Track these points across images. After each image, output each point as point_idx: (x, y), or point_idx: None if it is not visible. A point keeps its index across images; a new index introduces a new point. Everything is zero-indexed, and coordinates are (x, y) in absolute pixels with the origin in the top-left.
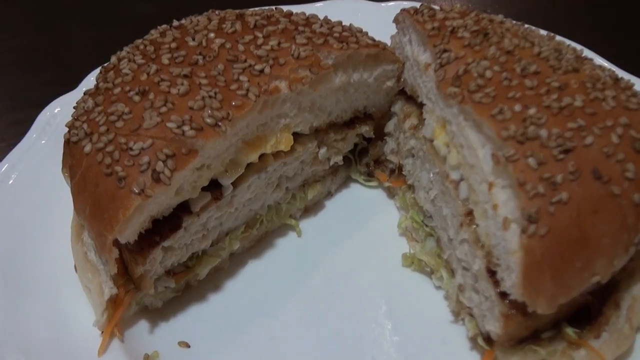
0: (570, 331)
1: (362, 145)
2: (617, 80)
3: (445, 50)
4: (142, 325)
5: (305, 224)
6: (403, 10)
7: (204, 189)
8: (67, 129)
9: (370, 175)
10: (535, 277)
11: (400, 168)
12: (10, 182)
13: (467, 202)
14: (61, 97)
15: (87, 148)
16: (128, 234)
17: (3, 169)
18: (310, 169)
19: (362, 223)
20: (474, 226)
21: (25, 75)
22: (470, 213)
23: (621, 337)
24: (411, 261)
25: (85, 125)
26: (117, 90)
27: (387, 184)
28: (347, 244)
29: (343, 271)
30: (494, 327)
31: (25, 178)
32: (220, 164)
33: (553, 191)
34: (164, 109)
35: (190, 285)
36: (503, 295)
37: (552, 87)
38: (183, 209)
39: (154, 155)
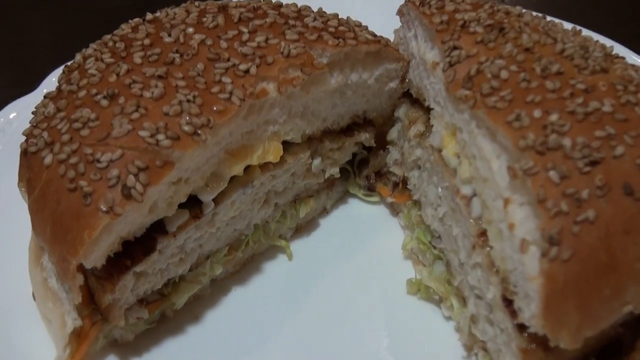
0: None
1: (361, 156)
2: None
3: (455, 48)
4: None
5: (297, 246)
6: (408, 0)
7: (181, 206)
8: (24, 138)
9: (370, 190)
10: (557, 306)
11: (404, 181)
12: None
13: (479, 220)
14: (17, 100)
15: (48, 159)
16: (94, 258)
17: None
18: (303, 183)
19: (361, 244)
20: (488, 249)
21: None
22: (483, 233)
23: None
24: (417, 288)
25: (45, 134)
26: (83, 93)
27: (390, 200)
28: (344, 269)
29: (340, 300)
30: None
31: None
32: (200, 177)
33: (578, 209)
34: (135, 115)
35: (166, 315)
36: (521, 327)
37: (577, 90)
38: (157, 229)
39: (125, 168)
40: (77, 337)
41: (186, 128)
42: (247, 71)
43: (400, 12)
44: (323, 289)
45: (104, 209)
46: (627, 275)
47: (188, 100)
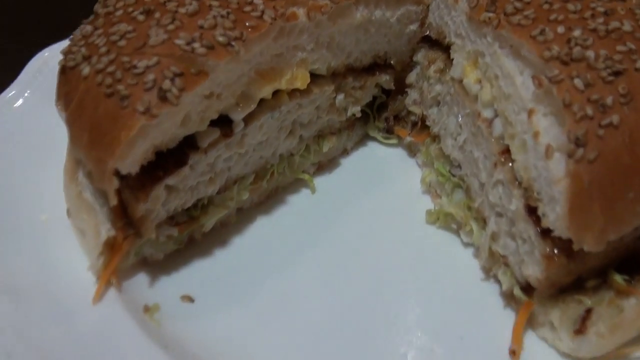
0: (619, 278)
1: (381, 100)
2: None
3: None
4: (141, 277)
5: (320, 182)
6: None
7: (212, 124)
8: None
9: (389, 132)
10: (582, 207)
11: (423, 120)
12: None
13: (501, 140)
14: (52, 46)
15: (86, 71)
16: (130, 162)
17: None
18: (326, 118)
19: (381, 181)
20: (510, 164)
21: None
22: (505, 151)
23: None
24: (437, 217)
25: (83, 49)
26: (119, 12)
27: (408, 139)
28: (364, 203)
29: (361, 230)
30: (533, 271)
31: (15, 121)
32: (232, 94)
33: (602, 114)
34: (171, 27)
35: (194, 239)
36: (544, 234)
37: (597, 12)
38: (189, 145)
39: (161, 73)
40: (110, 248)
41: (220, 39)
42: None
43: None
44: (344, 221)
45: (141, 109)
46: None
47: (222, 16)
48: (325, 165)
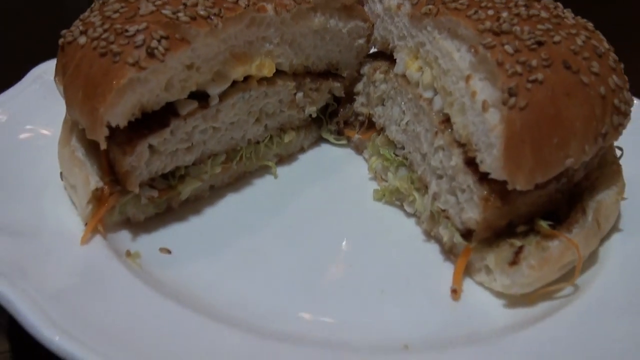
0: (544, 224)
1: (332, 107)
2: None
3: None
4: (124, 233)
5: (281, 171)
6: None
7: (192, 97)
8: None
9: (339, 134)
10: (515, 149)
11: (369, 120)
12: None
13: (440, 112)
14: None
15: (82, 40)
16: (119, 112)
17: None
18: (288, 112)
19: (334, 171)
20: (449, 130)
21: None
22: (444, 121)
23: (590, 234)
24: (382, 194)
25: (80, 26)
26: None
27: (356, 138)
28: (320, 186)
29: (315, 207)
30: (473, 213)
31: (18, 110)
32: (209, 70)
33: (529, 72)
34: (159, 2)
35: (172, 207)
36: (481, 180)
37: (519, 4)
38: (171, 112)
39: (149, 35)
40: (98, 201)
41: (202, 12)
42: None
43: None
44: (302, 199)
45: (131, 61)
46: (570, 130)
47: None
48: (285, 159)
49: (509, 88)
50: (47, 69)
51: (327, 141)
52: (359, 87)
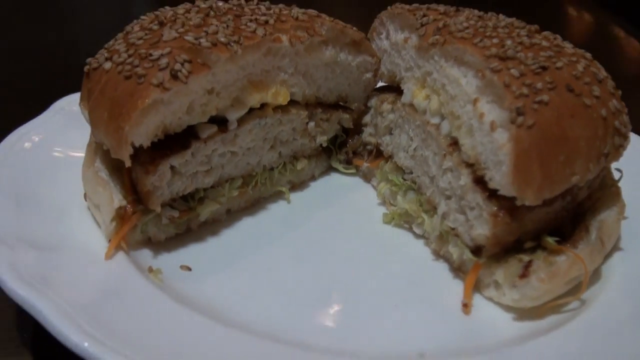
0: (550, 240)
1: (341, 139)
2: None
3: (424, 15)
4: (146, 251)
5: (294, 196)
6: (377, 18)
7: (212, 121)
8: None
9: (348, 163)
10: (524, 165)
11: (377, 148)
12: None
13: (448, 136)
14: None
15: (107, 65)
16: (143, 131)
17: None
18: (300, 141)
19: (344, 197)
20: (457, 152)
21: None
22: (452, 144)
23: (595, 251)
24: (392, 217)
25: (105, 53)
26: (137, 28)
27: (365, 166)
28: (330, 211)
29: (328, 228)
30: (482, 229)
31: (46, 136)
32: (228, 96)
33: (535, 94)
34: (181, 30)
35: (191, 228)
36: (490, 197)
37: (521, 34)
38: (192, 135)
39: (173, 59)
40: (121, 219)
41: (222, 39)
42: (266, 22)
43: (372, 30)
44: (314, 222)
45: (155, 82)
46: (575, 149)
47: (222, 27)
48: (297, 185)
49: (517, 108)
50: (70, 101)
51: (336, 170)
52: (367, 118)
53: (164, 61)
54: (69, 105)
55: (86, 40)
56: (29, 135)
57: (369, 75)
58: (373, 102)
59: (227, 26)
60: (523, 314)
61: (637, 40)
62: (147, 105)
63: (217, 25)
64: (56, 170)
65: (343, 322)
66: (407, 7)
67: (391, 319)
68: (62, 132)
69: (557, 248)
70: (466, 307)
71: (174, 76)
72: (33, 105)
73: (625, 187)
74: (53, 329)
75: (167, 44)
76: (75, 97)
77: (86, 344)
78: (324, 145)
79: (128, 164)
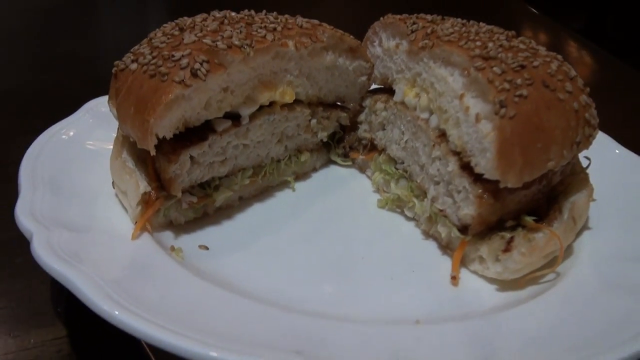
0: (529, 219)
1: (339, 135)
2: None
3: (414, 23)
4: (168, 233)
5: (298, 185)
6: (370, 28)
7: (226, 117)
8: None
9: (345, 156)
10: (507, 151)
11: (372, 143)
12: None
13: (436, 129)
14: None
15: (133, 66)
16: (166, 124)
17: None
18: (304, 136)
19: (342, 186)
20: (445, 143)
21: None
22: (440, 135)
23: (568, 229)
24: (385, 202)
25: (131, 56)
26: (159, 34)
27: (360, 158)
28: (331, 198)
29: (329, 212)
30: (469, 210)
31: (77, 132)
32: (241, 94)
33: (515, 89)
34: (200, 34)
35: (207, 213)
36: (475, 181)
37: (500, 38)
38: (209, 129)
39: (192, 59)
40: (146, 203)
41: (236, 42)
42: (274, 29)
43: (366, 39)
44: (318, 207)
45: (177, 80)
46: (551, 137)
47: (236, 32)
48: (301, 176)
49: (500, 100)
50: (97, 103)
51: (335, 163)
52: (362, 117)
53: (184, 61)
54: (97, 107)
55: (104, 56)
56: (64, 130)
57: (363, 78)
58: (367, 102)
59: (240, 32)
60: (505, 285)
61: (587, 52)
62: (170, 100)
63: (231, 31)
64: (89, 160)
65: (346, 292)
66: (398, 16)
67: (389, 290)
68: (91, 128)
69: (536, 226)
70: (454, 279)
71: (194, 74)
72: (61, 108)
73: (593, 175)
74: (86, 299)
75: (187, 46)
76: (102, 100)
77: (116, 312)
78: (324, 140)
79: (153, 152)
